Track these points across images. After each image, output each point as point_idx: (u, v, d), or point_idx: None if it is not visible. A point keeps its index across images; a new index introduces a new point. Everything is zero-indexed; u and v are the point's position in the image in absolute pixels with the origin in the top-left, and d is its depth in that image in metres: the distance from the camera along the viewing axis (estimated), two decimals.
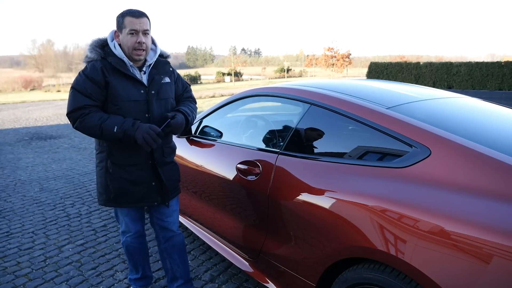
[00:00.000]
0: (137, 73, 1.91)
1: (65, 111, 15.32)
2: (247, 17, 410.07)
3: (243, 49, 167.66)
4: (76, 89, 1.83)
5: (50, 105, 18.28)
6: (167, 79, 2.01)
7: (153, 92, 1.92)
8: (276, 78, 57.03)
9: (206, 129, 2.76)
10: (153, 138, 1.80)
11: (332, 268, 1.61)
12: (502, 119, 1.97)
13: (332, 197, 1.59)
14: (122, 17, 1.85)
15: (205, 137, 2.72)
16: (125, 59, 1.87)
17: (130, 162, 1.92)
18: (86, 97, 1.81)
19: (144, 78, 1.94)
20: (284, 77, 57.25)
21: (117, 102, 1.84)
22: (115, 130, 1.78)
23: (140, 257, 2.22)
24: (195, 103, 2.24)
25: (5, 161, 6.05)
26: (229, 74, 50.27)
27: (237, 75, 53.79)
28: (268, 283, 2.04)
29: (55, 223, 3.45)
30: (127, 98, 1.85)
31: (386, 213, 1.36)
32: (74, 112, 1.83)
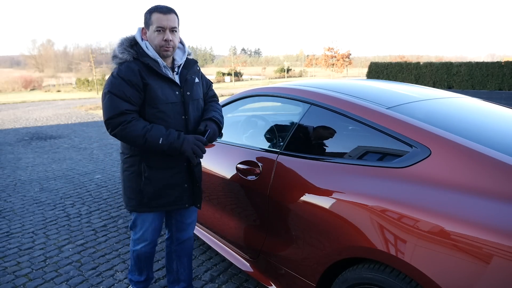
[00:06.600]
0: (170, 74, 1.84)
1: (65, 111, 15.09)
2: (247, 17, 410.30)
3: (243, 49, 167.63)
4: (113, 93, 1.70)
5: (50, 105, 18.28)
6: (197, 79, 1.96)
7: (188, 93, 1.87)
8: (276, 78, 57.03)
9: None
10: (201, 149, 1.77)
11: (332, 268, 1.61)
12: (502, 119, 1.97)
13: (332, 197, 1.59)
14: (149, 14, 1.77)
15: None
16: (159, 59, 1.79)
17: (167, 165, 1.86)
18: (125, 102, 1.70)
19: (176, 79, 1.87)
20: (284, 77, 57.25)
21: (156, 105, 1.76)
22: (160, 142, 1.71)
23: (149, 262, 2.18)
24: (218, 100, 2.17)
25: (5, 161, 6.05)
26: (229, 74, 50.28)
27: (237, 75, 53.79)
28: (268, 283, 2.04)
29: (55, 223, 3.45)
30: (165, 100, 1.78)
31: (386, 213, 1.36)
32: (114, 119, 1.70)
